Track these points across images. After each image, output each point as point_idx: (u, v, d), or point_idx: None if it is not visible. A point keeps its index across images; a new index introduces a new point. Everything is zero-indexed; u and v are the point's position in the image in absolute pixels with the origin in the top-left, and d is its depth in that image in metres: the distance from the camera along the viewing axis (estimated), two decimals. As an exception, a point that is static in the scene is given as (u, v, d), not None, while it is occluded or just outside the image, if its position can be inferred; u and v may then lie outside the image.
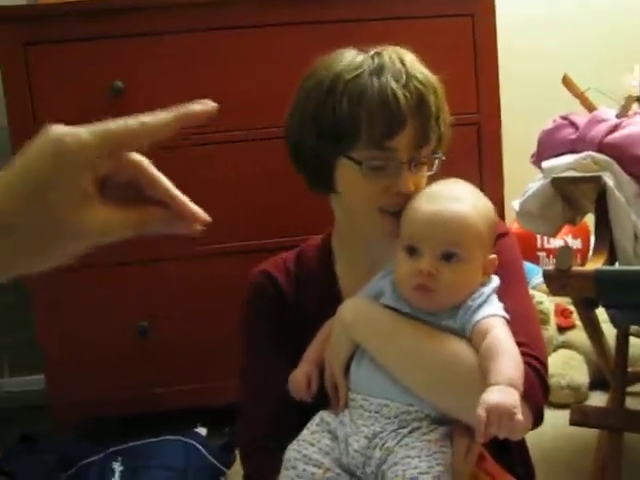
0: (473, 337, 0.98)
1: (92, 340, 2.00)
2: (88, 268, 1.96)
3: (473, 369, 0.96)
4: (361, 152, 1.07)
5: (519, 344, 0.96)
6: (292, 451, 0.99)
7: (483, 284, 1.02)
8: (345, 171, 1.09)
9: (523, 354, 0.97)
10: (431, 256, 0.98)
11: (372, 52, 1.10)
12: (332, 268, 1.22)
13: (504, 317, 0.99)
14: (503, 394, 0.86)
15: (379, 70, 1.06)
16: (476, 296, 1.00)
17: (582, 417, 1.69)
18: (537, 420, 1.00)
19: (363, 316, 1.05)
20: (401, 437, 0.95)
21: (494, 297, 1.02)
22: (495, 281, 1.04)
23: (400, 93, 1.04)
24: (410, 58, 1.10)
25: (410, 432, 0.96)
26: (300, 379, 1.08)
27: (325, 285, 1.21)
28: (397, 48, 1.12)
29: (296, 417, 1.07)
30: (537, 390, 0.99)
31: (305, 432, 1.02)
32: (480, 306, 0.99)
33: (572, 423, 1.68)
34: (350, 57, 1.09)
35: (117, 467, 1.80)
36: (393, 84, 1.05)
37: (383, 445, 0.95)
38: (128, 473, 1.79)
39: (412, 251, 0.99)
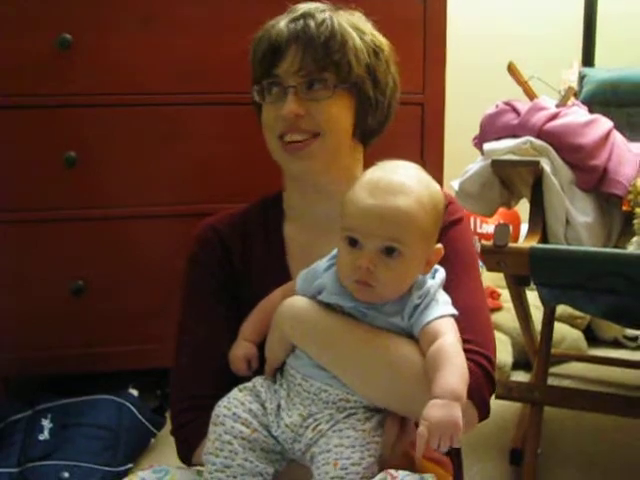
0: (421, 340, 0.97)
1: (25, 297, 1.96)
2: (22, 223, 1.93)
3: (418, 374, 0.95)
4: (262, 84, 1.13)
5: (468, 341, 0.97)
6: (222, 408, 0.98)
7: (428, 275, 1.01)
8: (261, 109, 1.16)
9: (471, 352, 0.98)
10: (371, 250, 0.95)
11: (318, 8, 1.13)
12: (279, 227, 1.21)
13: (452, 314, 0.98)
14: (445, 410, 0.86)
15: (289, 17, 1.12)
16: (423, 293, 0.98)
17: (507, 392, 1.77)
18: (483, 415, 1.02)
19: (302, 324, 1.02)
20: (335, 422, 0.96)
21: (441, 292, 1.01)
22: (441, 274, 1.02)
23: (283, 26, 1.10)
24: (350, 19, 1.13)
25: (345, 417, 0.96)
26: (239, 363, 1.08)
27: (271, 244, 1.20)
28: (353, 13, 1.16)
29: (230, 377, 1.08)
30: (484, 387, 1.00)
31: (236, 391, 1.01)
32: (428, 305, 0.97)
33: (498, 397, 1.75)
34: (296, 9, 1.13)
35: (46, 424, 1.78)
36: (282, 22, 1.11)
37: (317, 427, 0.96)
38: (58, 430, 1.76)
39: (353, 242, 0.97)
